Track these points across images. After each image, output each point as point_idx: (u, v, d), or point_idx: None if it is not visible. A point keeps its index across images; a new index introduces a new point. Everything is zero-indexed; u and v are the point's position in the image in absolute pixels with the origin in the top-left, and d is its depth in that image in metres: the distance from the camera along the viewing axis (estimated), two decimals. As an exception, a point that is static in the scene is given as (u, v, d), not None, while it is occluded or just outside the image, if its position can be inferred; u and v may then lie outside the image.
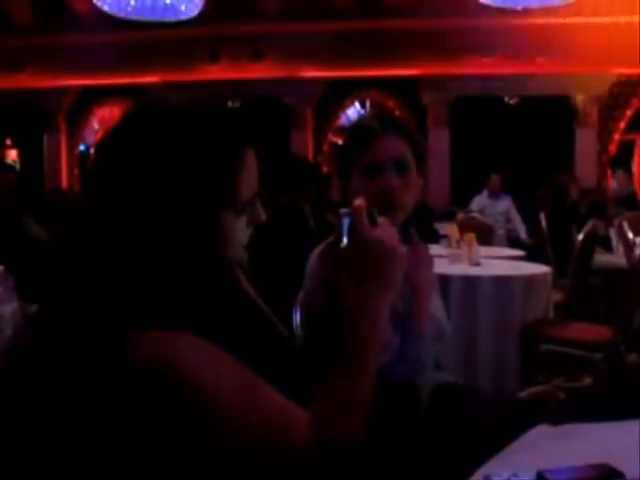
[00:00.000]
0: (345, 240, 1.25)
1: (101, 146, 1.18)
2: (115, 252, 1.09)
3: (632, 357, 3.86)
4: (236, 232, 1.17)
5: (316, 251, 1.81)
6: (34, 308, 1.22)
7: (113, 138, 1.16)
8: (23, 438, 1.06)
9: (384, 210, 1.66)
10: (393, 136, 1.84)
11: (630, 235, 5.76)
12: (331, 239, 1.59)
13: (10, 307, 2.84)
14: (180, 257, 1.12)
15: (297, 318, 1.79)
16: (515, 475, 1.14)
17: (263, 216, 1.23)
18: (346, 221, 1.25)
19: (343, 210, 1.27)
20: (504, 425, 1.45)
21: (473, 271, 4.19)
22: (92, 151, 12.81)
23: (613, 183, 10.34)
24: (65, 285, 1.11)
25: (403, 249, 1.26)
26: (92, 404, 1.00)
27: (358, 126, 1.97)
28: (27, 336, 1.12)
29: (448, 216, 9.11)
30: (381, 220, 1.26)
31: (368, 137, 1.84)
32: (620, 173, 9.75)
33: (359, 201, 1.25)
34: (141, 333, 1.02)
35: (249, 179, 1.17)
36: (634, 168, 11.27)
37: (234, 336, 1.12)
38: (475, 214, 8.10)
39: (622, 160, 11.10)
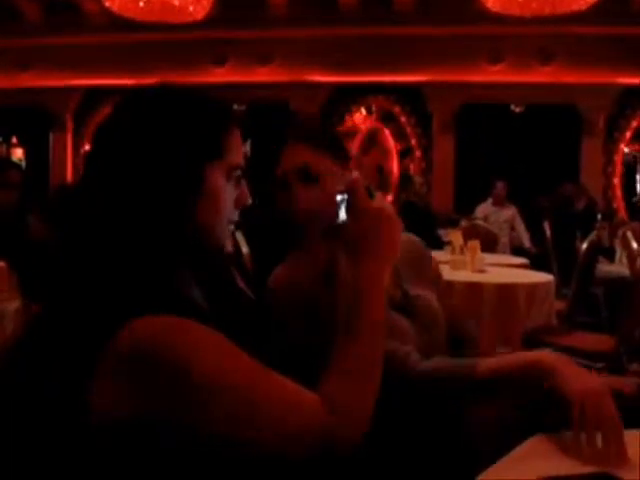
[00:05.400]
0: (343, 217, 1.31)
1: (99, 128, 1.20)
2: (109, 236, 1.10)
3: (634, 367, 3.86)
4: (221, 194, 1.17)
5: None
6: (37, 306, 1.23)
7: (111, 117, 1.19)
8: (22, 431, 1.06)
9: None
10: (297, 144, 1.75)
11: (634, 245, 5.75)
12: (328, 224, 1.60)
13: (13, 305, 2.84)
14: (169, 220, 1.12)
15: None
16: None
17: (249, 199, 1.25)
18: (342, 199, 1.31)
19: (338, 187, 1.33)
20: (504, 432, 1.44)
21: (476, 278, 4.19)
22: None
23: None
24: (63, 278, 1.12)
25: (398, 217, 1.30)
26: (88, 392, 1.00)
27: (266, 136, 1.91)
28: (28, 330, 1.13)
29: (452, 223, 9.10)
30: (377, 194, 1.31)
31: (276, 148, 1.78)
32: None
33: (355, 175, 1.33)
34: (138, 318, 1.01)
35: (234, 146, 1.20)
36: None
37: (231, 329, 1.11)
38: (479, 221, 8.09)
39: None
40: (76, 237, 1.14)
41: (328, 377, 1.13)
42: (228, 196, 1.19)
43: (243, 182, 1.24)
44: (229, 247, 1.22)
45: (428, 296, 1.86)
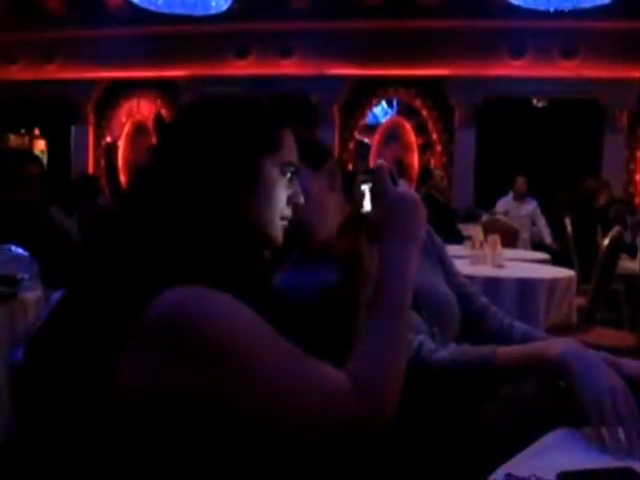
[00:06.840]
0: (367, 204, 1.34)
1: (169, 124, 1.28)
2: (159, 211, 1.13)
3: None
4: (275, 187, 1.21)
5: None
6: (58, 295, 1.24)
7: (180, 111, 1.29)
8: (54, 408, 1.08)
9: None
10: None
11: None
12: (351, 209, 1.60)
13: (34, 294, 2.86)
14: (222, 208, 1.15)
15: None
16: (535, 476, 1.14)
17: (301, 197, 1.29)
18: (366, 187, 1.34)
19: (361, 177, 1.35)
20: (525, 426, 1.44)
21: (496, 273, 4.16)
22: (119, 144, 12.96)
23: None
24: (95, 255, 1.15)
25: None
26: (119, 364, 1.02)
27: None
28: (54, 312, 1.14)
29: (472, 217, 9.07)
30: (400, 181, 1.34)
31: None
32: None
33: (380, 162, 1.33)
34: (170, 288, 1.03)
35: (288, 144, 1.25)
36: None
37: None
38: (500, 216, 8.04)
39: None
40: (129, 211, 1.17)
41: (353, 357, 1.14)
42: (281, 191, 1.23)
43: (296, 181, 1.27)
44: (280, 241, 1.25)
45: (433, 281, 1.84)
